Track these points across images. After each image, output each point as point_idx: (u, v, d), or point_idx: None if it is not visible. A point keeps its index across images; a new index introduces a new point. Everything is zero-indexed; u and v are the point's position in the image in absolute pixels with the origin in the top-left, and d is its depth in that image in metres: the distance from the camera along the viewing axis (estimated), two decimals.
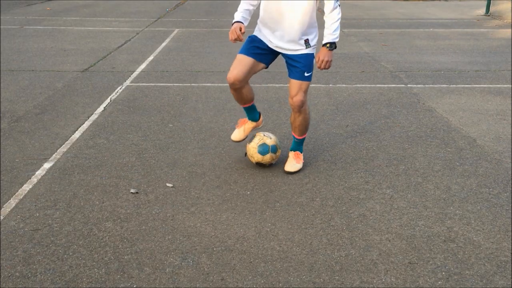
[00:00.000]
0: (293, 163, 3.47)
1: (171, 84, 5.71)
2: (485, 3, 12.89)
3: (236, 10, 3.17)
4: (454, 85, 5.73)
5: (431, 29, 10.11)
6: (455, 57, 7.31)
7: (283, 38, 3.15)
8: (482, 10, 12.95)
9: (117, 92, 5.36)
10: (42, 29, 9.65)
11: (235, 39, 3.01)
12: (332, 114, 4.70)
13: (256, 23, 3.26)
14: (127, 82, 5.76)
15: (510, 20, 11.24)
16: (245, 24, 3.11)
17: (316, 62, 3.15)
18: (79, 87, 5.54)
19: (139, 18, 11.52)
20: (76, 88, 5.52)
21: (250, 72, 3.21)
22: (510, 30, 9.96)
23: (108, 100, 5.05)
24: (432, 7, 14.47)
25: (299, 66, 3.19)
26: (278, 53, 3.26)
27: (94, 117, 4.55)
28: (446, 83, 5.84)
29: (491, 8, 12.49)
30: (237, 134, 3.62)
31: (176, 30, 9.72)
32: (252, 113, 3.56)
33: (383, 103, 5.05)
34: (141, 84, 5.72)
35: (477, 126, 4.37)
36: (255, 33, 3.26)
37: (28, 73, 6.18)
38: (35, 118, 4.51)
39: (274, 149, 3.44)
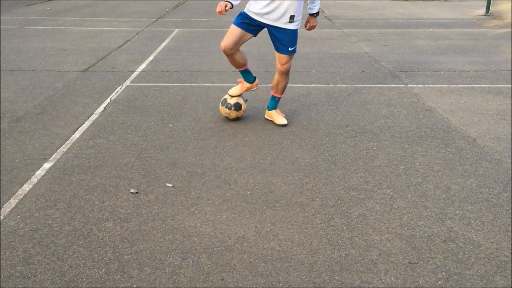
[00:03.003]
0: (281, 117, 4.35)
1: (171, 84, 5.71)
2: (485, 3, 12.89)
3: None
4: (454, 85, 5.73)
5: (431, 29, 10.10)
6: (455, 57, 7.31)
7: (273, 13, 3.82)
8: (482, 10, 12.95)
9: (117, 92, 5.36)
10: (42, 29, 9.65)
11: (219, 12, 3.67)
12: (332, 114, 4.70)
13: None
14: (127, 82, 5.76)
15: (510, 20, 11.24)
16: (234, 4, 3.78)
17: (307, 26, 4.19)
18: (79, 87, 5.54)
19: (139, 18, 11.52)
20: (76, 88, 5.52)
21: (239, 41, 3.91)
22: (510, 30, 9.96)
23: (108, 100, 5.05)
24: (432, 7, 14.47)
25: (284, 42, 3.95)
26: (265, 26, 3.94)
27: (94, 117, 4.55)
28: (446, 83, 5.84)
29: (491, 8, 12.48)
30: (234, 90, 4.33)
31: (176, 30, 9.72)
32: (247, 76, 4.26)
33: (383, 103, 5.05)
34: (141, 84, 5.72)
35: (477, 126, 4.37)
36: (245, 10, 3.91)
37: (28, 73, 6.18)
38: (35, 118, 4.51)
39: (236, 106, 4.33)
